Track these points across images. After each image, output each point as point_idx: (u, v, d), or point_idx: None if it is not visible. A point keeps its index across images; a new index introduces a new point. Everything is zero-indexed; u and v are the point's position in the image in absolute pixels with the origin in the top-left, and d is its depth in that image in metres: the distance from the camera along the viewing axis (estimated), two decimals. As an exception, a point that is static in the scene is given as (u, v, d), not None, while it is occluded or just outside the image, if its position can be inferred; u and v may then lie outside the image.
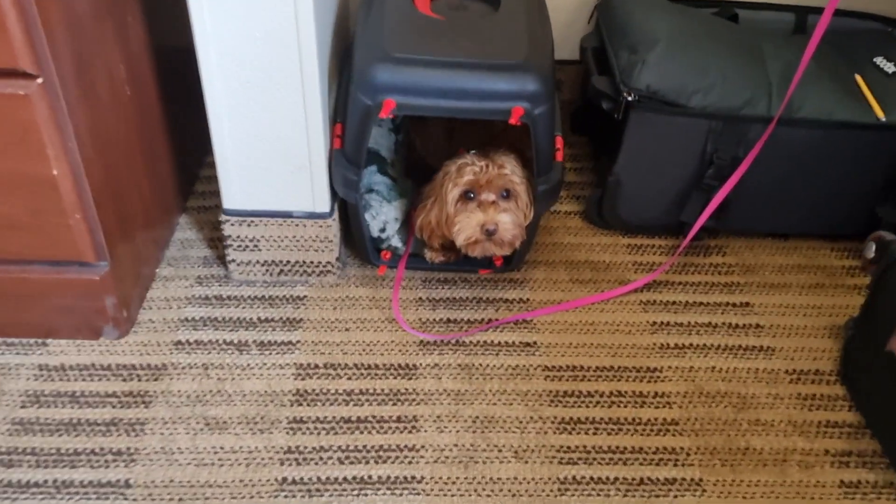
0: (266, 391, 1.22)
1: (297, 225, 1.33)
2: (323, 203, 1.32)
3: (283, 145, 1.25)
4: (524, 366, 1.27)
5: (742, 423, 1.20)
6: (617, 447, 1.16)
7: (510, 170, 1.26)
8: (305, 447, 1.15)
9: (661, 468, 1.14)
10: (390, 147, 1.50)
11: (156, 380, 1.23)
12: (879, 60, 1.48)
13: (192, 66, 1.17)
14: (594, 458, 1.15)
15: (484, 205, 1.26)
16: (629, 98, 1.33)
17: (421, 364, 1.27)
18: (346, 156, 1.27)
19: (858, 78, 1.44)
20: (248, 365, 1.25)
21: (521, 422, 1.19)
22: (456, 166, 1.27)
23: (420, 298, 1.38)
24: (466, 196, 1.27)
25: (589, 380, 1.25)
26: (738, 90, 1.35)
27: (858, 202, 1.45)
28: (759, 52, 1.43)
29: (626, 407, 1.22)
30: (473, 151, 1.28)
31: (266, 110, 1.21)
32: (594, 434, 1.18)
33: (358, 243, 1.39)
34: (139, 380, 1.22)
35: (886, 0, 1.67)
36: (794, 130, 1.35)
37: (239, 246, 1.35)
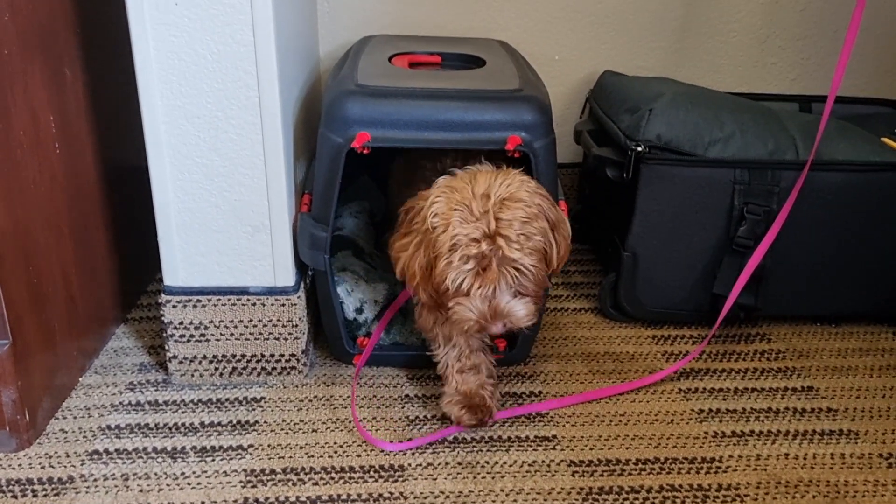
0: (203, 502, 0.91)
1: (254, 304, 1.09)
2: (286, 275, 1.09)
3: (238, 198, 1.04)
4: (544, 461, 0.98)
5: (842, 516, 0.90)
6: (681, 551, 0.86)
7: (518, 255, 0.89)
8: (252, 568, 0.83)
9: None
10: (369, 240, 1.30)
11: (56, 495, 0.92)
12: (900, 131, 1.35)
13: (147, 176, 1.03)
14: (653, 566, 0.83)
15: (489, 278, 0.89)
16: (638, 149, 1.16)
17: (410, 465, 0.97)
18: (314, 216, 1.07)
19: (885, 140, 1.30)
20: (183, 473, 0.95)
21: (547, 525, 0.88)
22: (449, 238, 0.90)
23: (406, 395, 1.11)
24: None
25: (630, 474, 0.96)
26: (761, 142, 1.19)
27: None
28: (774, 113, 1.29)
29: (683, 503, 0.92)
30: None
31: (217, 153, 1.02)
32: (648, 536, 0.87)
33: (328, 329, 1.13)
34: (34, 495, 0.91)
35: (892, 86, 1.60)
36: (830, 175, 1.17)
37: (182, 336, 1.09)
